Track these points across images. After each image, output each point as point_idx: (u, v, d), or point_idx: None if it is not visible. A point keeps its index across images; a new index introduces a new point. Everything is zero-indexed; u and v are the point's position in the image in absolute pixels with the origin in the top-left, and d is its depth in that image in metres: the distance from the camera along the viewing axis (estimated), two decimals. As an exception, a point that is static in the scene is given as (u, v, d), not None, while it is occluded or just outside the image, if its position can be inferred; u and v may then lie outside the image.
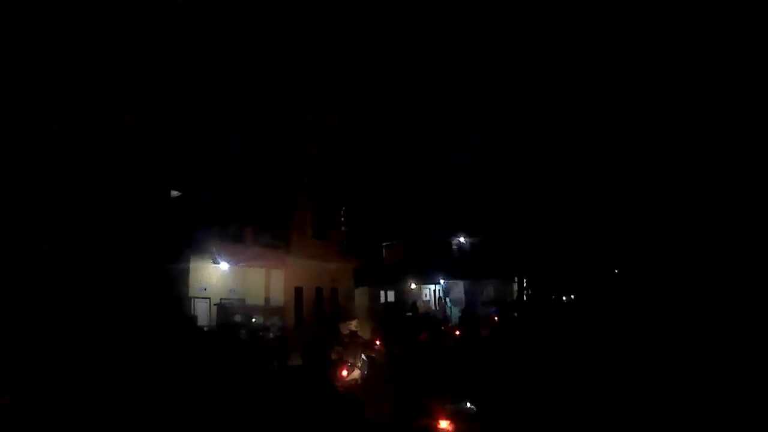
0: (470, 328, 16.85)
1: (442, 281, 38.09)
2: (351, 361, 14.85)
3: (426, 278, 35.47)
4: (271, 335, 18.43)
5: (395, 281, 31.29)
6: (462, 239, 42.31)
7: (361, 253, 28.07)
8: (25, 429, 7.78)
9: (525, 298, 44.82)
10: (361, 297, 27.45)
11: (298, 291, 22.67)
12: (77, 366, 8.49)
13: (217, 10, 15.35)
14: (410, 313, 31.19)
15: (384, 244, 33.81)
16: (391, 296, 30.92)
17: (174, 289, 14.20)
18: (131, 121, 11.32)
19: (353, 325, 18.89)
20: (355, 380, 13.75)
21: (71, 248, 9.82)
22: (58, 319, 8.99)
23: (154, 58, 12.19)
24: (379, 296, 29.67)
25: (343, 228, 26.53)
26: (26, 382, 8.21)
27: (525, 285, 48.46)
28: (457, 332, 20.72)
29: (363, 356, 14.75)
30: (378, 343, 16.94)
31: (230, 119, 18.73)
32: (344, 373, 13.95)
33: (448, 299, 38.77)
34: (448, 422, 7.55)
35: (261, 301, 20.49)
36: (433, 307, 37.33)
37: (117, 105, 11.16)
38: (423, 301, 35.53)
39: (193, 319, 17.03)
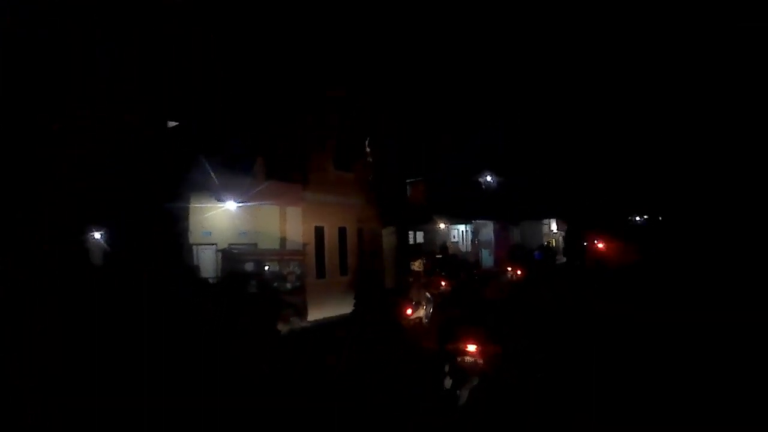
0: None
1: (469, 221, 34.92)
2: (416, 299, 15.10)
3: (455, 218, 32.23)
4: (289, 285, 15.33)
5: (423, 221, 28.03)
6: (489, 178, 39.11)
7: (387, 190, 24.62)
8: (25, 429, 7.72)
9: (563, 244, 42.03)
10: (388, 238, 24.13)
11: (319, 232, 19.42)
12: (77, 367, 8.36)
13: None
14: (440, 255, 28.45)
15: (408, 180, 30.56)
16: (419, 237, 27.67)
17: (171, 239, 13.12)
18: (131, 121, 11.43)
19: (417, 265, 17.84)
20: (420, 318, 14.63)
21: (71, 248, 9.95)
22: (58, 320, 8.93)
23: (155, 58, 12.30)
24: (407, 236, 26.36)
25: (369, 159, 22.94)
26: (26, 381, 8.13)
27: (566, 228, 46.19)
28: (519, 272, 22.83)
29: (427, 294, 15.38)
30: (443, 282, 17.43)
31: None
32: (409, 311, 14.49)
33: (477, 240, 35.69)
34: (475, 345, 8.44)
35: (276, 245, 17.26)
36: (462, 249, 34.36)
37: (117, 105, 11.24)
38: (452, 242, 32.40)
39: (195, 270, 14.00)
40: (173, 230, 13.23)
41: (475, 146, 37.45)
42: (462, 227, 34.99)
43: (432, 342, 10.74)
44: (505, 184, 40.73)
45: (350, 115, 19.95)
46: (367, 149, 23.96)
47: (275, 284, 14.84)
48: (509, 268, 24.05)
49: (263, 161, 16.96)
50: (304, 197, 18.17)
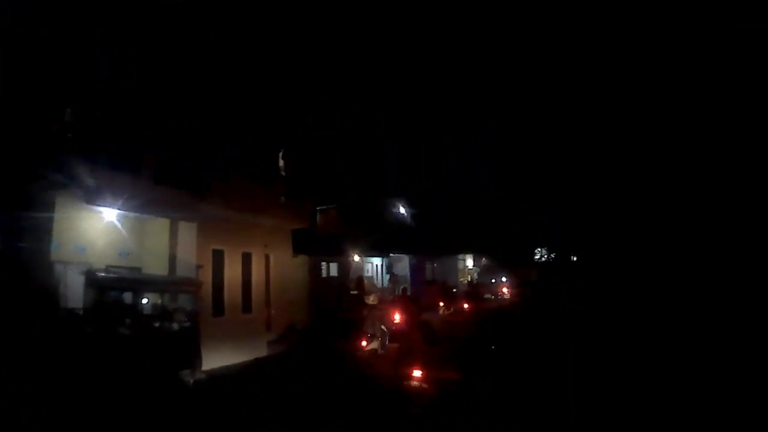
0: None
1: (385, 255, 31.96)
2: (371, 332, 15.76)
3: (373, 250, 29.10)
4: (176, 325, 11.49)
5: (336, 252, 24.63)
6: (403, 210, 36.53)
7: (299, 213, 21.13)
8: None
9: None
10: (298, 268, 20.62)
11: (218, 256, 15.63)
12: None
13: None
14: (355, 291, 25.16)
15: (318, 208, 27.27)
16: (333, 269, 24.26)
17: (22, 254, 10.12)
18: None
19: (371, 299, 18.94)
20: (375, 349, 15.41)
21: None
22: None
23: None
24: (320, 268, 22.89)
25: (282, 173, 19.39)
26: None
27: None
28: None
29: (383, 327, 16.16)
30: (398, 316, 17.03)
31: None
32: (363, 343, 14.97)
33: (393, 274, 32.69)
34: (420, 370, 9.68)
35: (165, 270, 13.37)
36: (377, 284, 31.24)
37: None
38: (366, 276, 29.18)
39: (54, 296, 10.14)
40: (27, 243, 10.22)
41: (392, 177, 35.09)
42: (377, 260, 31.90)
43: (388, 369, 11.81)
44: (420, 217, 38.41)
45: (264, 116, 16.49)
46: (281, 161, 20.58)
47: (157, 323, 10.97)
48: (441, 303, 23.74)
49: (153, 161, 13.12)
50: (200, 210, 14.31)
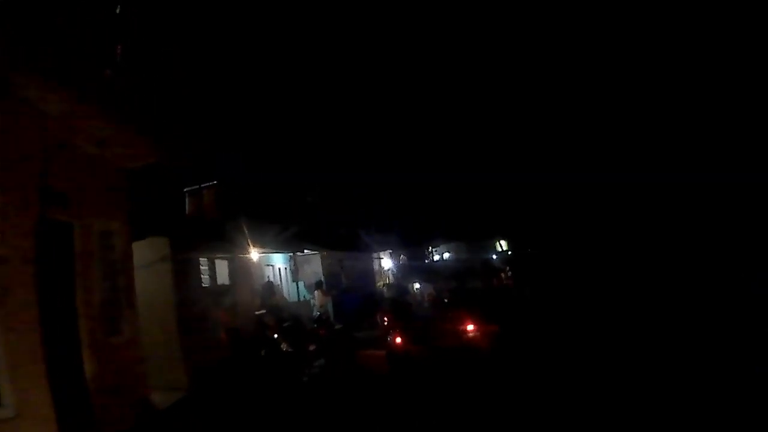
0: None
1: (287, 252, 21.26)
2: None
3: (276, 246, 18.53)
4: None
5: (225, 241, 13.95)
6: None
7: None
8: None
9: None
10: (154, 271, 9.74)
11: None
12: None
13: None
14: (263, 311, 14.67)
15: (186, 189, 16.85)
16: (222, 269, 13.46)
17: None
18: None
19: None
20: None
21: None
22: None
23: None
24: (194, 268, 11.89)
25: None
26: None
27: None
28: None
29: None
30: None
31: None
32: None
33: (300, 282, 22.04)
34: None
35: None
36: (285, 291, 20.64)
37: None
38: (268, 280, 18.53)
39: None
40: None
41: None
42: (279, 262, 21.24)
43: None
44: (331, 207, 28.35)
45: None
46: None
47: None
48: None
49: None
50: None
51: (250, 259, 16.21)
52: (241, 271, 14.50)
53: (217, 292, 12.51)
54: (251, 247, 16.15)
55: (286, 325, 16.15)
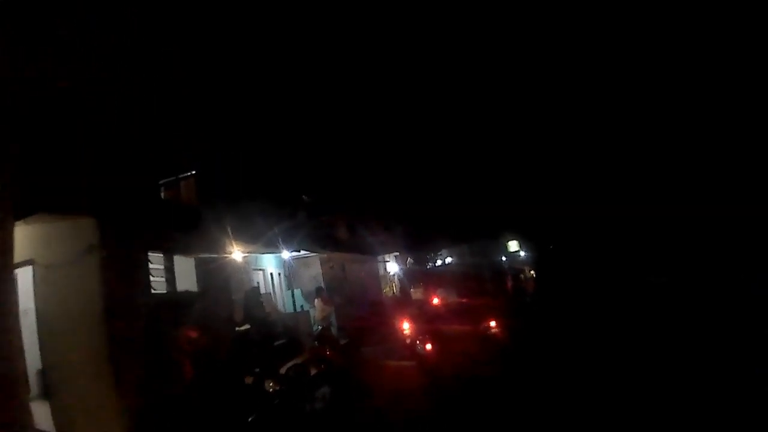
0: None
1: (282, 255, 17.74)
2: None
3: (265, 246, 15.10)
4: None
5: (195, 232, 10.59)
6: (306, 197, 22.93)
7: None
8: None
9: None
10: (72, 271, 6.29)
11: None
12: None
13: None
14: (244, 326, 11.15)
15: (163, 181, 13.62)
16: (189, 272, 9.99)
17: None
18: None
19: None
20: None
21: None
22: None
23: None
24: (141, 267, 8.40)
25: None
26: None
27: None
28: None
29: None
30: None
31: None
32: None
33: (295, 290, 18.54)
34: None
35: None
36: (280, 306, 17.23)
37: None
38: (255, 286, 15.02)
39: None
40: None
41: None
42: (270, 266, 17.82)
43: None
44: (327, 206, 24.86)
45: None
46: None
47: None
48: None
49: None
50: None
51: (231, 261, 12.81)
52: (215, 274, 11.02)
53: (179, 301, 9.04)
54: (234, 245, 12.77)
55: (278, 344, 12.79)
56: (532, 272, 29.12)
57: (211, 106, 16.95)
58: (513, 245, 44.25)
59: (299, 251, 17.67)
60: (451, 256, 44.45)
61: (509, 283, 26.86)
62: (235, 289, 12.39)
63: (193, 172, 15.05)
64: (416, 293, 20.03)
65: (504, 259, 41.53)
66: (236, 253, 13.02)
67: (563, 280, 26.47)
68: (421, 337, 11.35)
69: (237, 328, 10.98)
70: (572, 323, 16.16)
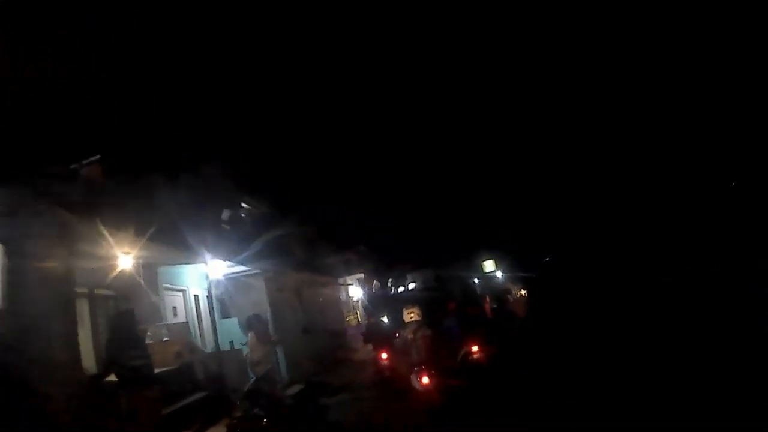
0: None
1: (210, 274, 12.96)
2: None
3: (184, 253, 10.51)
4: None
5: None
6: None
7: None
8: None
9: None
10: None
11: None
12: None
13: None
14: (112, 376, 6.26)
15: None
16: None
17: None
18: None
19: None
20: None
21: None
22: None
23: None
24: None
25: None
26: None
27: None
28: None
29: None
30: None
31: None
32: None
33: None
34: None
35: None
36: (202, 335, 12.55)
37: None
38: (127, 313, 10.19)
39: None
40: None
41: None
42: (194, 286, 13.15)
43: None
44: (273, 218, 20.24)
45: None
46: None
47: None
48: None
49: None
50: None
51: (114, 267, 8.23)
52: (42, 286, 6.36)
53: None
54: (114, 246, 8.15)
55: (185, 402, 8.22)
56: (522, 292, 24.96)
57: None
58: (489, 265, 40.13)
59: (233, 263, 12.94)
60: (414, 282, 40.25)
61: (487, 307, 22.99)
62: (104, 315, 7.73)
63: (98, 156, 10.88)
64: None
65: (477, 281, 37.54)
66: (122, 257, 8.42)
67: (566, 294, 22.64)
68: (416, 369, 9.26)
69: (101, 376, 6.36)
70: (587, 340, 13.66)
